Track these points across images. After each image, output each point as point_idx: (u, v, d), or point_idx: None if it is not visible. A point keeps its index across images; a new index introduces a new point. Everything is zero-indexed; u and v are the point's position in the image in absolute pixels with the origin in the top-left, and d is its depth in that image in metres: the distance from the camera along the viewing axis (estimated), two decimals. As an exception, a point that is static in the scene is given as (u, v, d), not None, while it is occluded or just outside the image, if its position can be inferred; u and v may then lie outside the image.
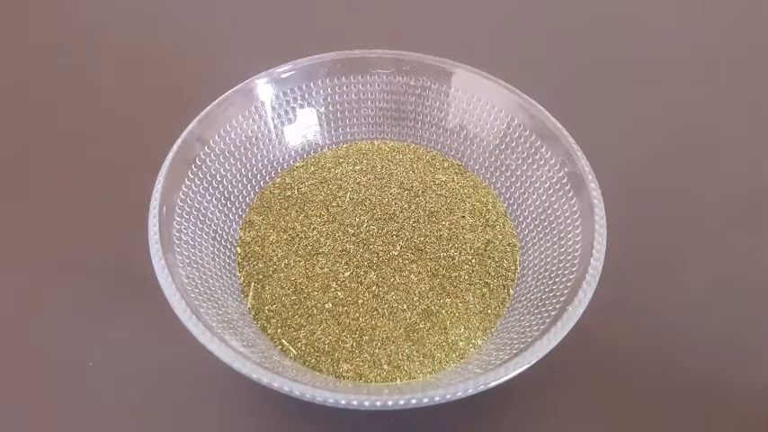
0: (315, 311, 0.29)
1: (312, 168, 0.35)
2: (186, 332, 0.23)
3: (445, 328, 0.29)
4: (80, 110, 0.42)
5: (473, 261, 0.31)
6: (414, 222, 0.33)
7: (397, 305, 0.29)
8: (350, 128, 0.36)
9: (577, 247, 0.28)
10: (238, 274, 0.31)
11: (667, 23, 0.51)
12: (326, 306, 0.29)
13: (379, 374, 0.27)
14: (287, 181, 0.34)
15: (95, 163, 0.39)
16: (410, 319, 0.29)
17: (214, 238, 0.30)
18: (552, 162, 0.31)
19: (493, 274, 0.31)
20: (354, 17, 0.51)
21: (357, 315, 0.29)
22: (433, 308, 0.29)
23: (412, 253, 0.31)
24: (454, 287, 0.30)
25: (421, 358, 0.28)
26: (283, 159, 0.35)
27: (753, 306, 0.33)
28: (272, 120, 0.34)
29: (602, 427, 0.29)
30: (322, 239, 0.32)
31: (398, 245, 0.32)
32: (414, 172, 0.35)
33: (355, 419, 0.29)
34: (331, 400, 0.22)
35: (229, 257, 0.31)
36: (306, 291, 0.30)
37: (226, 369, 0.23)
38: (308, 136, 0.35)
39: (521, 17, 0.51)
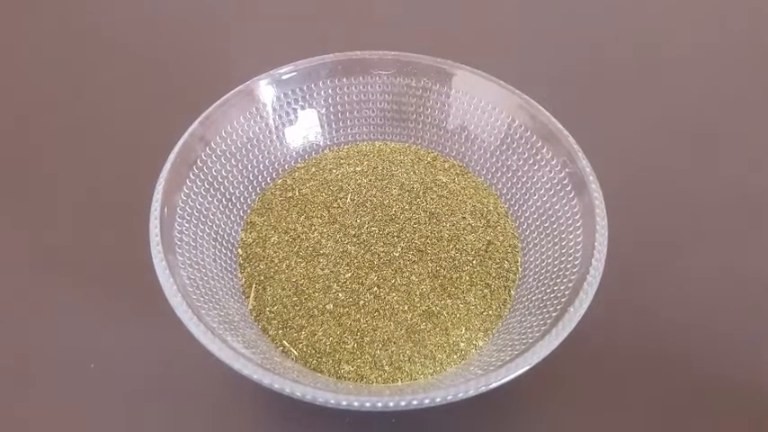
0: (316, 313, 0.29)
1: (313, 169, 0.35)
2: (187, 333, 0.23)
3: (446, 330, 0.29)
4: (81, 110, 0.42)
5: (474, 262, 0.31)
6: (415, 223, 0.33)
7: (398, 306, 0.29)
8: (351, 129, 0.36)
9: (578, 247, 0.28)
10: (240, 275, 0.31)
11: (668, 23, 0.51)
12: (327, 307, 0.29)
13: (381, 375, 0.27)
14: (288, 182, 0.34)
15: (96, 163, 0.39)
16: (411, 320, 0.29)
17: (215, 240, 0.30)
18: (553, 163, 0.31)
19: (494, 275, 0.31)
20: (355, 18, 0.51)
21: (358, 316, 0.29)
22: (434, 309, 0.29)
23: (413, 254, 0.31)
24: (455, 288, 0.30)
25: (422, 359, 0.28)
26: (284, 160, 0.35)
27: (754, 306, 0.33)
28: (274, 121, 0.34)
29: (603, 427, 0.29)
30: (323, 241, 0.32)
31: (399, 246, 0.32)
32: (415, 173, 0.35)
33: (356, 420, 0.29)
34: (332, 402, 0.22)
35: (230, 259, 0.31)
36: (307, 292, 0.30)
37: (227, 370, 0.23)
38: (309, 137, 0.35)
39: (521, 18, 0.51)
